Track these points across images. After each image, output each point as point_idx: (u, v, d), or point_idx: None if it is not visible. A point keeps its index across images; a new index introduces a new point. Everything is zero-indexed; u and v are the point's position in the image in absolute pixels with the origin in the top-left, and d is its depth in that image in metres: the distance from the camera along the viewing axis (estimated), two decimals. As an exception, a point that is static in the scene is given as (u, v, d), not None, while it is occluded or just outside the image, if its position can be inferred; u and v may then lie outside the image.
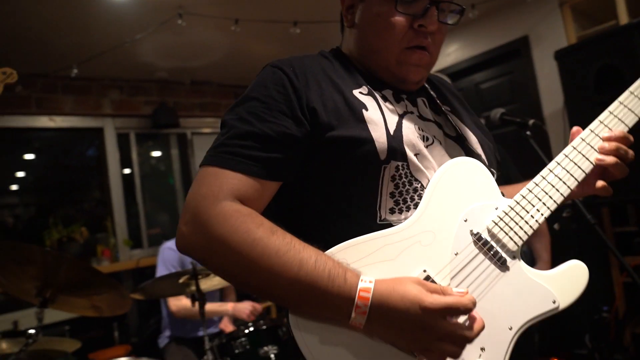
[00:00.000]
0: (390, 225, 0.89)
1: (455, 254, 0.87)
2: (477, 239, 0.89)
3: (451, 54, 4.12)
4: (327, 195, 0.93)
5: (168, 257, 3.01)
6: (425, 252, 0.86)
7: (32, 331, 1.73)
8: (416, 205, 0.91)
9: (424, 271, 0.85)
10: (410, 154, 0.93)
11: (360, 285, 0.79)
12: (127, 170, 4.32)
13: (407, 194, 0.92)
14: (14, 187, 4.08)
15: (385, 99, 1.00)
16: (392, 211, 0.91)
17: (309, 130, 0.91)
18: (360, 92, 0.98)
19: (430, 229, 0.88)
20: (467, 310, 0.78)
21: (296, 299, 0.81)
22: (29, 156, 4.15)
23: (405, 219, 0.90)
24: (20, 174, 4.10)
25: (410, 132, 0.95)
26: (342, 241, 0.85)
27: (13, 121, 3.66)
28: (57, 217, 3.85)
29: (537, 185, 0.95)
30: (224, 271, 0.87)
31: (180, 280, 1.84)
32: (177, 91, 4.53)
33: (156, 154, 4.72)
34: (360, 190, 0.91)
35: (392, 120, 0.95)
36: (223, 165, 0.88)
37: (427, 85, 1.11)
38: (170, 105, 4.39)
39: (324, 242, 0.85)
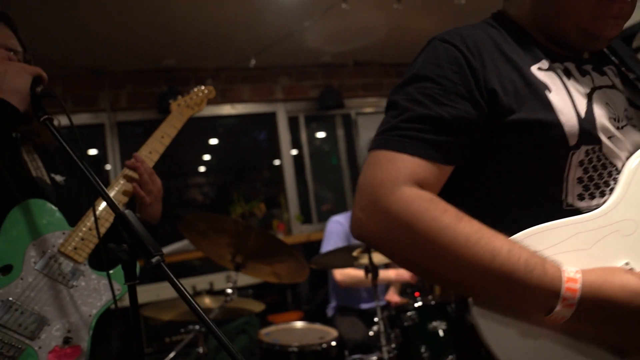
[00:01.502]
0: (578, 212, 0.83)
1: None
2: None
3: None
4: (505, 181, 0.88)
5: (335, 230, 3.18)
6: (627, 242, 0.78)
7: (229, 291, 2.01)
8: (611, 191, 0.83)
9: (626, 264, 0.77)
10: (603, 137, 0.84)
11: (566, 275, 0.74)
12: (295, 152, 4.66)
13: (601, 178, 0.85)
14: (202, 169, 4.72)
15: (569, 74, 0.91)
16: (580, 197, 0.84)
17: (487, 114, 0.85)
18: (539, 68, 0.90)
19: (631, 217, 0.79)
20: None
21: (488, 290, 0.77)
22: (213, 141, 4.75)
23: (598, 205, 0.83)
24: (207, 157, 4.72)
25: (601, 112, 0.86)
26: (521, 229, 0.80)
27: (203, 111, 4.20)
28: (240, 194, 4.35)
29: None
30: (405, 259, 0.83)
31: (354, 253, 1.95)
32: (341, 73, 4.70)
33: (322, 134, 4.99)
34: (543, 176, 0.85)
35: (581, 100, 0.87)
36: (399, 149, 0.83)
37: (605, 50, 0.98)
38: (335, 87, 4.58)
39: (501, 230, 0.79)
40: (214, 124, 4.65)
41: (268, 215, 4.27)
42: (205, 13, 3.25)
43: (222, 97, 4.28)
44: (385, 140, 0.86)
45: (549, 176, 0.86)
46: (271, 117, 4.55)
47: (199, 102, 1.59)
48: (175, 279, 0.95)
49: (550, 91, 0.86)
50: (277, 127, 4.51)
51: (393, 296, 3.16)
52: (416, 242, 0.78)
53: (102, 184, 1.08)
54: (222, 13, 3.28)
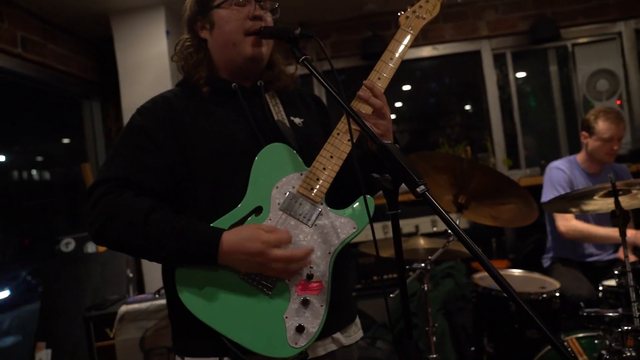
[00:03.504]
0: None
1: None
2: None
3: None
4: None
5: (557, 177, 2.91)
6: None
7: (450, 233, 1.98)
8: None
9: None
10: None
11: None
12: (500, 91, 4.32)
13: None
14: (392, 117, 4.69)
15: None
16: None
17: None
18: None
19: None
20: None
21: None
22: (406, 87, 4.67)
23: None
24: (398, 104, 4.67)
25: None
26: None
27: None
28: (445, 139, 4.25)
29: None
30: None
31: (596, 196, 1.74)
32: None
33: (533, 72, 4.51)
34: None
35: None
36: None
37: None
38: (548, 16, 4.06)
39: None
40: (410, 67, 4.56)
41: (473, 159, 4.10)
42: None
43: (424, 39, 4.15)
44: None
45: None
46: (475, 56, 4.25)
47: (431, 8, 1.34)
48: (441, 209, 0.95)
49: None
50: (482, 67, 4.21)
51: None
52: None
53: (361, 118, 1.12)
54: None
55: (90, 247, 3.39)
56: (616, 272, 1.96)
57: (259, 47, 1.33)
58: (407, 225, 3.60)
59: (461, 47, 4.23)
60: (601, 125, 2.76)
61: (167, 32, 3.48)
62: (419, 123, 4.83)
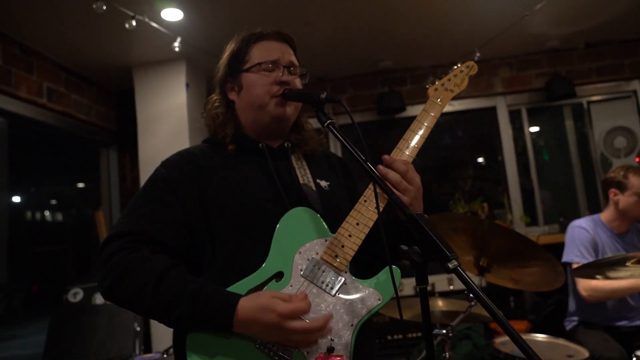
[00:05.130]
0: None
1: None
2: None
3: None
4: None
5: (579, 236, 2.82)
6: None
7: (471, 295, 1.90)
8: None
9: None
10: None
11: None
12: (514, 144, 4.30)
13: None
14: None
15: None
16: None
17: None
18: None
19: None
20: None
21: None
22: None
23: None
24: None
25: None
26: None
27: (416, 110, 4.18)
28: (460, 193, 4.20)
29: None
30: None
31: (628, 263, 1.67)
32: (569, 58, 4.19)
33: (548, 127, 4.51)
34: None
35: None
36: None
37: None
38: (563, 74, 4.10)
39: None
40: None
41: (490, 215, 4.03)
42: (420, 11, 3.21)
43: (439, 95, 4.19)
44: None
45: None
46: (491, 112, 4.28)
47: (459, 82, 1.38)
48: (473, 284, 0.90)
49: None
50: (497, 122, 4.22)
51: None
52: None
53: (388, 185, 1.09)
54: (438, 9, 3.19)
55: (99, 299, 3.33)
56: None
57: (284, 107, 1.32)
58: (422, 282, 3.50)
59: (477, 103, 4.27)
60: (634, 181, 2.69)
61: (187, 85, 3.55)
62: (432, 175, 4.81)
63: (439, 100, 1.34)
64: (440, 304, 2.38)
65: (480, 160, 4.74)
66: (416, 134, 1.30)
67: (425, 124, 1.30)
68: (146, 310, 1.16)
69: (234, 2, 2.92)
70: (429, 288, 3.50)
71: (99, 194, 4.14)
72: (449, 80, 1.37)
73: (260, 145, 1.33)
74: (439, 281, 3.49)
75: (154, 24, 2.96)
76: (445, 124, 4.75)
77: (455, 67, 1.41)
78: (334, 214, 1.28)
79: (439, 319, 2.26)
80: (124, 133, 4.05)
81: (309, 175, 1.37)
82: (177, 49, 3.16)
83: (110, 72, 3.73)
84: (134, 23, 2.83)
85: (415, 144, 1.29)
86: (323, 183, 1.38)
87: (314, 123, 1.27)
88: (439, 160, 4.86)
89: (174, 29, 3.10)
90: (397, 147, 1.30)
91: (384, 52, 3.91)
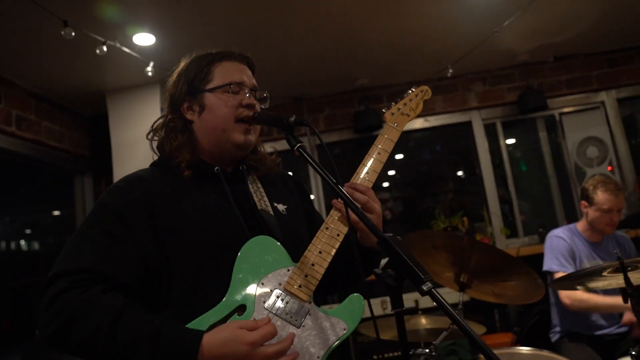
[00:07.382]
0: None
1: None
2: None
3: None
4: None
5: (557, 245, 2.85)
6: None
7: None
8: None
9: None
10: None
11: None
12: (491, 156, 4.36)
13: None
14: (385, 184, 4.74)
15: None
16: None
17: None
18: None
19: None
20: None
21: None
22: (399, 156, 4.72)
23: None
24: (391, 172, 4.71)
25: None
26: None
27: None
28: (440, 208, 4.22)
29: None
30: None
31: (604, 273, 1.68)
32: (540, 71, 4.28)
33: (523, 140, 4.59)
34: None
35: None
36: None
37: None
38: (534, 87, 4.18)
39: None
40: (403, 138, 4.62)
41: (471, 229, 4.04)
42: (394, 29, 3.26)
43: (414, 111, 4.24)
44: None
45: None
46: (466, 126, 4.33)
47: (415, 106, 1.38)
48: (447, 306, 0.89)
49: None
50: (473, 137, 4.27)
51: (631, 319, 2.67)
52: None
53: (359, 206, 1.07)
54: (410, 28, 3.24)
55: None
56: (633, 352, 1.86)
57: (249, 135, 1.29)
58: (406, 300, 3.48)
59: (452, 118, 4.32)
60: (600, 196, 2.73)
61: (162, 109, 3.52)
62: (412, 190, 4.84)
63: (395, 124, 1.35)
64: (423, 321, 2.36)
65: (460, 173, 4.79)
66: (375, 158, 1.30)
67: (383, 149, 1.31)
68: (100, 358, 1.05)
69: (206, 25, 2.92)
70: (412, 305, 3.49)
71: (74, 220, 4.05)
72: (405, 104, 1.39)
73: (216, 169, 1.28)
74: (423, 298, 3.47)
75: (126, 49, 2.94)
76: (424, 140, 4.80)
77: (410, 91, 1.42)
78: (293, 240, 1.24)
79: (424, 338, 2.24)
80: (99, 159, 3.98)
81: (266, 199, 1.33)
82: (150, 74, 3.14)
83: (83, 98, 3.68)
84: (104, 49, 2.80)
85: (374, 168, 1.29)
86: (280, 207, 1.35)
87: (283, 145, 1.25)
88: (419, 174, 4.89)
89: (146, 53, 3.07)
90: (357, 172, 1.29)
91: (360, 70, 3.95)
